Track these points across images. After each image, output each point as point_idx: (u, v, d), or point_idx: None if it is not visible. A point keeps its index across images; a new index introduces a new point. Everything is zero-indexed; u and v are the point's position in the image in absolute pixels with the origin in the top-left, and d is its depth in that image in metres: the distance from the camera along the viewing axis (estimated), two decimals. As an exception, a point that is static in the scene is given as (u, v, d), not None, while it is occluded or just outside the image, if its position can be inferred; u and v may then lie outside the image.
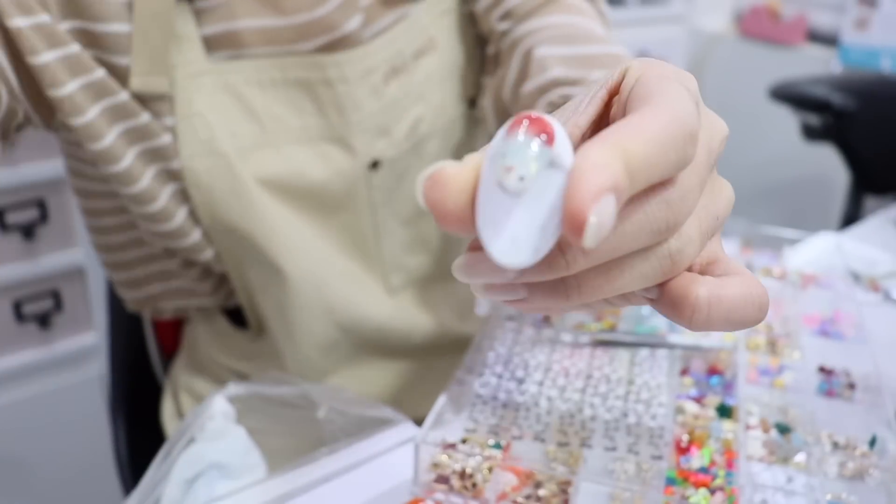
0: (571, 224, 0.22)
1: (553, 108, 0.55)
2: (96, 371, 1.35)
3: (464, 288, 0.75)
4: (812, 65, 2.02)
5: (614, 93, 0.30)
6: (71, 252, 1.30)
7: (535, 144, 0.23)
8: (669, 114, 0.25)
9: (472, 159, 0.25)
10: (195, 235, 0.63)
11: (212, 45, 0.60)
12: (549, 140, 0.24)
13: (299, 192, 0.63)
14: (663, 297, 0.29)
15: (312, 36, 0.61)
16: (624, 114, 0.28)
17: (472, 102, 0.70)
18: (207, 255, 0.65)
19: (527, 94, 0.59)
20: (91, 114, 0.56)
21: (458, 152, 0.70)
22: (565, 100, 0.55)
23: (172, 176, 0.61)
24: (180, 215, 0.62)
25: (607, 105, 0.31)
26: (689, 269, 0.30)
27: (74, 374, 1.34)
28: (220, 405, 0.57)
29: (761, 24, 2.19)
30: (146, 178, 0.60)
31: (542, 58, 0.58)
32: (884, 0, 1.63)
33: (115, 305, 0.86)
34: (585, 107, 0.30)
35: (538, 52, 0.59)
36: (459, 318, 0.75)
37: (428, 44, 0.66)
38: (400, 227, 0.69)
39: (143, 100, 0.58)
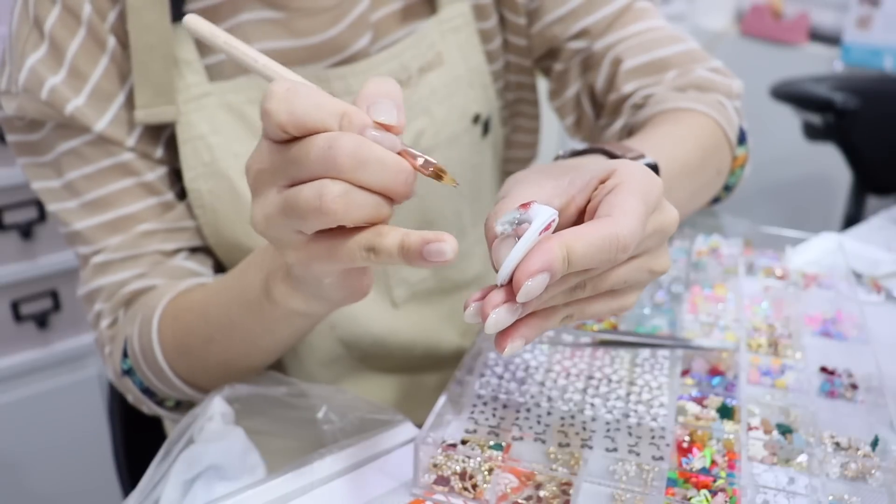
0: (514, 284, 0.36)
1: (636, 108, 0.66)
2: (94, 371, 1.35)
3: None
4: (814, 64, 2.02)
5: (604, 180, 0.41)
6: (69, 252, 1.29)
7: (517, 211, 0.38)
8: (613, 230, 0.37)
9: None
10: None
11: (220, 71, 0.61)
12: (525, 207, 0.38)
13: None
14: None
15: (323, 56, 0.62)
16: (595, 209, 0.40)
17: (476, 119, 0.70)
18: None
19: (613, 100, 0.68)
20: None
21: (462, 167, 0.70)
22: (645, 99, 0.65)
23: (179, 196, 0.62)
24: None
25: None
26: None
27: (73, 374, 1.34)
28: (218, 406, 0.57)
29: (763, 22, 2.19)
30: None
31: (623, 70, 0.66)
32: (886, -1, 1.63)
33: (115, 305, 0.86)
34: (580, 191, 0.42)
35: (622, 66, 0.66)
36: (460, 333, 0.75)
37: (435, 59, 0.67)
38: None
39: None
